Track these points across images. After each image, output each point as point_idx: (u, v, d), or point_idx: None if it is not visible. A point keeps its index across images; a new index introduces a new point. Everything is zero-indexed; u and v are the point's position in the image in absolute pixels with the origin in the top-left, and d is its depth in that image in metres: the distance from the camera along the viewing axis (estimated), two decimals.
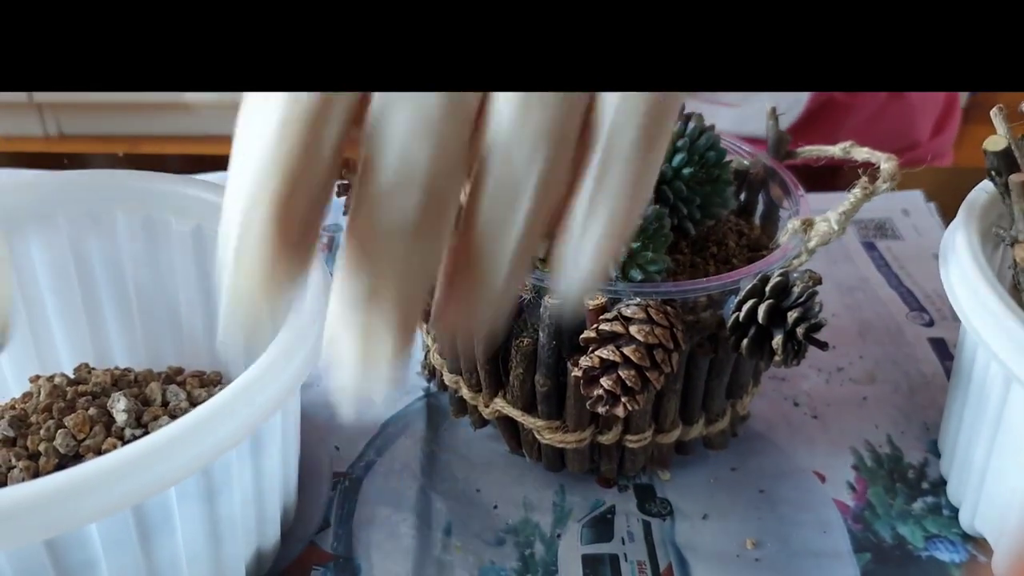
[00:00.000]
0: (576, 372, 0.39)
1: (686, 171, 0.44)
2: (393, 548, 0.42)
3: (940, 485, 0.48)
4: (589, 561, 0.43)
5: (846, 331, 0.59)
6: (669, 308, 0.39)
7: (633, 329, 0.38)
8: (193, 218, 0.45)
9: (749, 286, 0.40)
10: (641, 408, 0.42)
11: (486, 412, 0.46)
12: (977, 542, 0.44)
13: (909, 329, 0.59)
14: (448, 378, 0.48)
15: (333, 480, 0.46)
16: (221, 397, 0.32)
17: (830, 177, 0.65)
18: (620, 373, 0.38)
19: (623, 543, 0.44)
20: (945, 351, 0.57)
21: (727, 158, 0.47)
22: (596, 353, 0.39)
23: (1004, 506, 0.41)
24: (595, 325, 0.39)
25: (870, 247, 0.68)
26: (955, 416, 0.46)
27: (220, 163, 0.71)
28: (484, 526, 0.44)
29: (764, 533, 0.44)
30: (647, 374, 0.38)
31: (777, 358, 0.39)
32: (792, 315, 0.39)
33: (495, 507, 0.45)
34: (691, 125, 0.45)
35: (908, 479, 0.48)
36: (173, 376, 0.46)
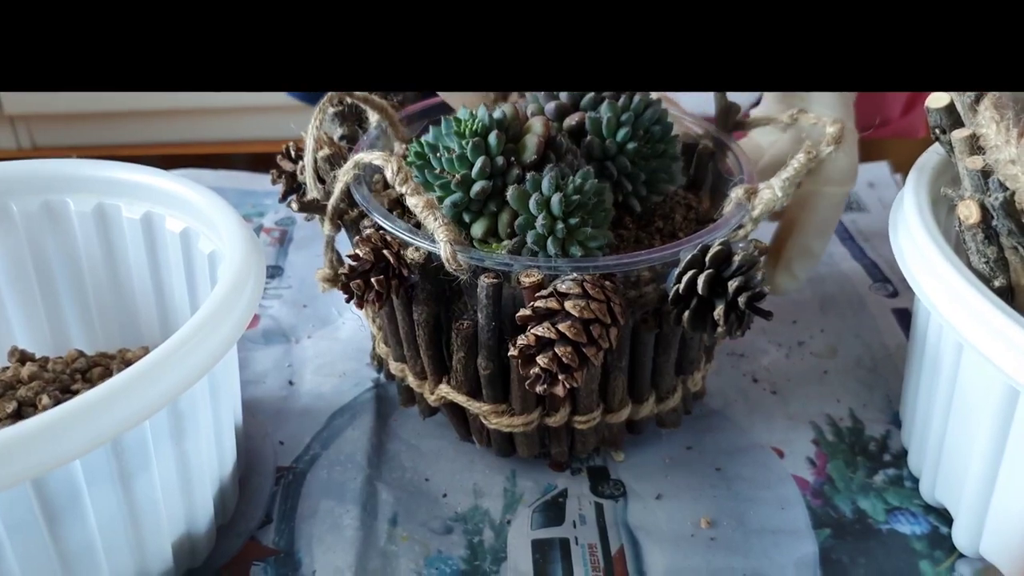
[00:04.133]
0: (512, 351, 0.38)
1: (630, 146, 0.43)
2: (336, 540, 0.41)
3: (902, 456, 0.46)
4: (539, 546, 0.41)
5: (807, 305, 0.57)
6: (607, 283, 0.38)
7: (568, 305, 0.37)
8: (143, 204, 0.45)
9: (689, 256, 0.38)
10: (582, 387, 0.41)
11: (432, 399, 0.45)
12: (939, 513, 0.43)
13: (872, 301, 0.58)
14: (394, 367, 0.46)
15: (276, 475, 0.45)
16: (134, 368, 0.31)
17: None
18: (556, 350, 0.37)
19: (574, 526, 0.42)
20: (909, 321, 0.56)
21: (675, 132, 0.46)
22: (531, 331, 0.37)
23: (962, 473, 0.40)
24: (531, 303, 0.38)
25: None
26: (913, 384, 0.44)
27: (184, 163, 0.71)
28: (432, 515, 0.43)
29: (720, 512, 0.43)
30: (584, 350, 0.37)
31: (720, 329, 0.38)
32: (733, 284, 0.37)
33: (444, 495, 0.44)
34: (636, 99, 0.44)
35: (869, 452, 0.47)
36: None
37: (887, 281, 0.60)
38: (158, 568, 0.37)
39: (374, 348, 0.50)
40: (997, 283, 0.37)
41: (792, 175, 0.42)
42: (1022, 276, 0.37)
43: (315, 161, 0.43)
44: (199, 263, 0.43)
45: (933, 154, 0.45)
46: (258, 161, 0.75)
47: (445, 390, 0.44)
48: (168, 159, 0.72)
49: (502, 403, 0.43)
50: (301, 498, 0.43)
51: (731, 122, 0.50)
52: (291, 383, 0.51)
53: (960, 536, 0.41)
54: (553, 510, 0.43)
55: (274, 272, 0.61)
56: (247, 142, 1.71)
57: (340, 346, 0.54)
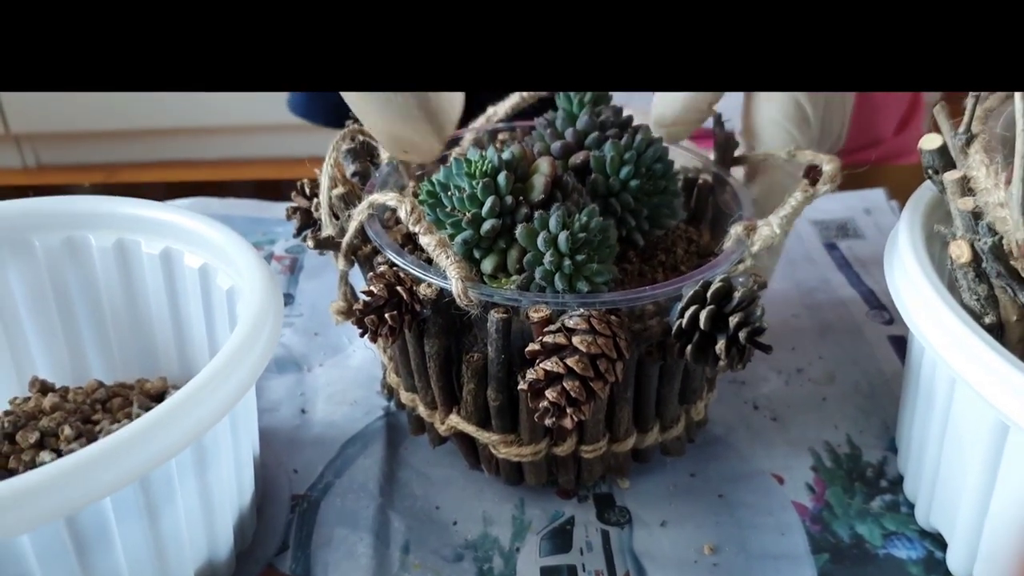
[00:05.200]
0: (522, 385, 0.39)
1: (633, 183, 0.45)
2: (351, 568, 0.42)
3: (898, 482, 0.48)
4: (547, 573, 0.43)
5: (806, 332, 0.59)
6: (613, 318, 0.40)
7: (576, 340, 0.38)
8: (162, 240, 0.46)
9: (691, 292, 0.40)
10: (589, 418, 0.42)
11: (442, 429, 0.46)
12: (934, 538, 0.45)
13: (869, 328, 0.59)
14: (405, 396, 0.48)
15: (292, 503, 0.46)
16: (160, 408, 0.32)
17: None
18: (564, 384, 0.38)
19: (581, 553, 0.44)
20: (905, 348, 0.57)
21: (676, 168, 0.47)
22: (540, 365, 0.39)
23: (956, 501, 0.41)
24: (539, 337, 0.39)
25: (831, 247, 0.68)
26: (908, 414, 0.46)
27: (192, 190, 0.72)
28: (443, 542, 0.44)
29: (722, 538, 0.45)
30: (591, 384, 0.38)
31: (722, 363, 0.39)
32: (734, 320, 0.39)
33: (454, 523, 0.45)
34: (638, 138, 0.46)
35: (867, 478, 0.48)
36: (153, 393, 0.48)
37: (883, 308, 0.61)
38: None
39: (384, 377, 0.51)
40: (987, 320, 0.38)
41: (789, 212, 0.43)
42: (1012, 313, 0.38)
43: (330, 199, 0.45)
44: (217, 298, 0.45)
45: (928, 189, 0.46)
46: (266, 188, 0.77)
47: (455, 420, 0.45)
48: (175, 186, 0.73)
49: (511, 433, 0.44)
50: (316, 526, 0.45)
51: (730, 156, 0.51)
52: (304, 411, 0.52)
53: (954, 561, 0.42)
54: (561, 537, 0.45)
55: (285, 300, 0.62)
56: (250, 161, 1.73)
57: (351, 374, 0.55)
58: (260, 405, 0.52)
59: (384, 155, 0.49)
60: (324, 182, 0.45)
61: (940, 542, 0.44)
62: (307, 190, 0.47)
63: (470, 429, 0.45)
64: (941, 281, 0.40)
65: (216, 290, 0.45)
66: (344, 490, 0.47)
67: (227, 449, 0.38)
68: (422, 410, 0.47)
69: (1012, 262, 0.36)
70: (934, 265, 0.41)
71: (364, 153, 0.49)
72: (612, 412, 0.44)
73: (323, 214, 0.45)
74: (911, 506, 0.46)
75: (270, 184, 0.77)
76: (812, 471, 0.49)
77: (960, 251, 0.39)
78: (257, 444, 0.44)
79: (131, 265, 0.47)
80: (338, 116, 0.49)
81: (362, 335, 0.42)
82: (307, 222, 0.47)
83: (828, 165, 0.46)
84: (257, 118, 1.59)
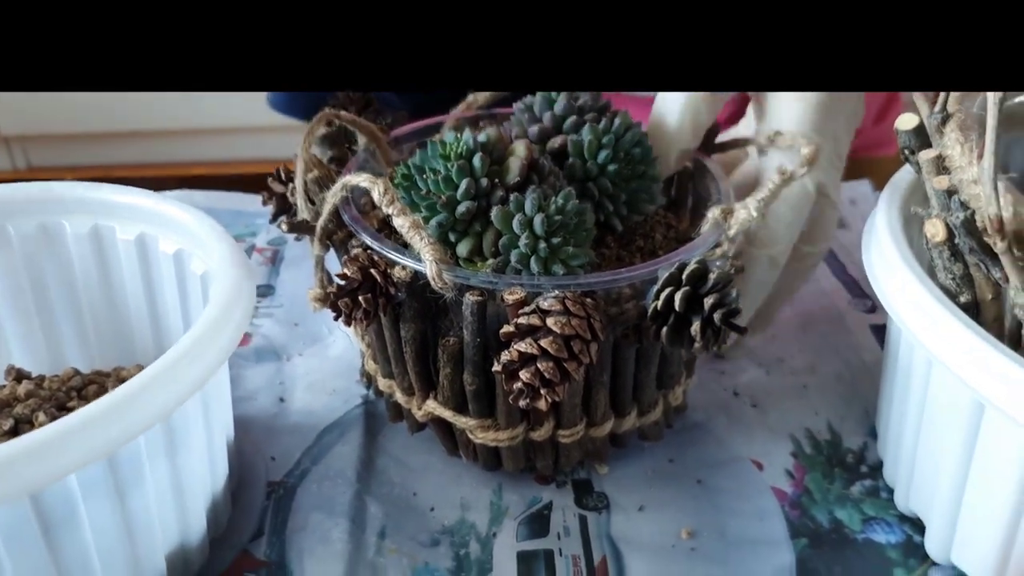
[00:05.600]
0: (496, 367, 0.39)
1: (611, 168, 0.45)
2: (325, 553, 0.42)
3: (878, 468, 0.48)
4: (524, 557, 0.43)
5: (788, 322, 0.59)
6: (588, 300, 0.39)
7: (550, 321, 0.38)
8: (137, 226, 0.46)
9: (667, 274, 0.40)
10: (565, 401, 0.42)
11: (419, 415, 0.46)
12: (913, 522, 0.44)
13: (851, 316, 0.59)
14: (382, 383, 0.47)
15: (268, 489, 0.46)
16: (128, 385, 0.32)
17: None
18: (538, 365, 0.38)
19: (558, 538, 0.43)
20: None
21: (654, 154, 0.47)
22: (514, 347, 0.39)
23: (933, 484, 0.41)
24: (515, 319, 0.39)
25: None
26: (887, 398, 0.46)
27: (182, 182, 0.72)
28: (419, 528, 0.44)
29: (701, 523, 0.44)
30: (565, 365, 0.38)
31: (697, 344, 0.39)
32: (708, 301, 0.39)
33: (432, 509, 0.45)
34: (617, 122, 0.46)
35: (847, 464, 0.48)
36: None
37: (866, 297, 0.61)
38: None
39: (363, 365, 0.51)
40: (963, 299, 0.38)
41: (767, 196, 0.43)
42: (987, 292, 0.38)
43: (305, 183, 0.45)
44: (192, 283, 0.45)
45: (907, 172, 0.46)
46: (250, 182, 0.76)
47: (432, 406, 0.45)
48: (162, 180, 0.73)
49: (488, 418, 0.44)
50: (292, 512, 0.44)
51: (710, 143, 0.51)
52: (282, 400, 0.52)
53: (932, 545, 0.42)
54: (538, 522, 0.44)
55: (266, 291, 0.62)
56: (239, 162, 1.73)
57: (330, 364, 0.55)
58: (239, 394, 0.52)
59: (361, 141, 0.49)
60: (299, 165, 0.44)
61: (919, 526, 0.44)
62: (283, 175, 0.47)
63: (447, 414, 0.44)
64: (920, 265, 0.40)
65: (191, 276, 0.44)
66: (321, 477, 0.47)
67: (198, 432, 0.38)
68: (399, 396, 0.46)
69: (985, 238, 0.36)
70: (912, 249, 0.41)
71: (341, 139, 0.49)
72: (589, 396, 0.44)
73: (299, 197, 0.45)
74: (891, 492, 0.46)
75: (254, 178, 0.77)
76: (792, 457, 0.48)
77: (935, 230, 0.39)
78: (232, 430, 0.44)
79: (106, 251, 0.47)
80: (319, 110, 0.49)
81: (336, 318, 0.41)
82: (283, 207, 0.47)
83: (805, 149, 0.46)
84: (254, 120, 1.57)
